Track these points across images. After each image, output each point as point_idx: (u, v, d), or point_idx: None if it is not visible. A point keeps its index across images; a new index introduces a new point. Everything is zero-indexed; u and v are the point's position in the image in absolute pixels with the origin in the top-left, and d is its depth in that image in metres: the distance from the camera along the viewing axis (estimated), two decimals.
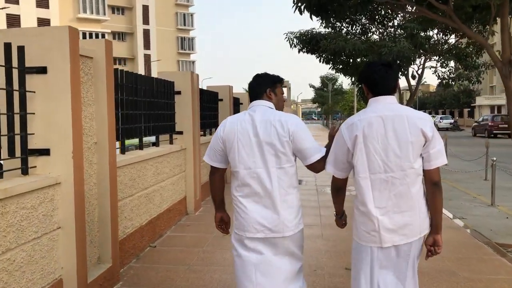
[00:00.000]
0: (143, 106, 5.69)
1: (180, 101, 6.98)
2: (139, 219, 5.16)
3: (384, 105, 2.43)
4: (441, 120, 45.83)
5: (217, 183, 2.88)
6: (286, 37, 14.12)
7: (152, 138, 6.74)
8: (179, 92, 6.96)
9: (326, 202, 7.98)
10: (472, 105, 52.29)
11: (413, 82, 13.32)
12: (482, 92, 54.47)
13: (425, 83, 63.89)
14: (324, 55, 14.10)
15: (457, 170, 11.95)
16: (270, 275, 2.61)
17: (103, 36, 41.51)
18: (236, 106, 12.75)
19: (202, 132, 9.09)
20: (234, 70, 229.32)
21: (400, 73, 12.87)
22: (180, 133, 7.01)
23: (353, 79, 15.59)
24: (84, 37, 40.08)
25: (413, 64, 12.77)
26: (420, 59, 12.88)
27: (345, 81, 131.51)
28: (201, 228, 6.33)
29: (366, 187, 2.41)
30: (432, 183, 2.40)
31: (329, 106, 56.06)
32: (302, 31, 13.73)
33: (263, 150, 2.58)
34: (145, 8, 55.83)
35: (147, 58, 55.55)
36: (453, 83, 13.81)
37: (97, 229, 4.09)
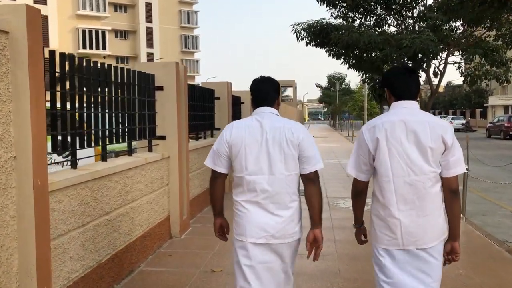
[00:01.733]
0: (108, 104, 4.40)
1: (162, 99, 5.66)
2: (96, 256, 3.84)
3: (406, 110, 2.45)
4: (452, 121, 44.26)
5: (219, 189, 2.85)
6: (292, 29, 12.79)
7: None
8: (160, 88, 5.65)
9: (341, 221, 6.63)
10: (484, 105, 50.63)
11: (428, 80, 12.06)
12: (494, 92, 52.79)
13: (433, 83, 62.23)
14: (335, 49, 12.75)
15: (482, 177, 10.55)
16: (268, 281, 2.63)
17: (103, 33, 40.35)
18: (236, 105, 11.43)
19: (194, 136, 7.77)
20: (239, 69, 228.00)
21: (420, 70, 11.47)
22: (162, 138, 5.69)
23: (366, 75, 14.17)
24: (83, 34, 39.00)
25: (436, 59, 11.35)
26: (441, 54, 11.46)
27: (352, 80, 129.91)
28: (187, 258, 5.01)
29: (389, 190, 2.43)
30: (451, 190, 2.43)
31: (337, 106, 54.63)
32: (310, 22, 12.37)
33: (271, 157, 2.58)
34: (148, 6, 54.73)
35: (150, 57, 54.37)
36: (478, 80, 12.35)
37: (16, 284, 2.79)
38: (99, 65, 4.24)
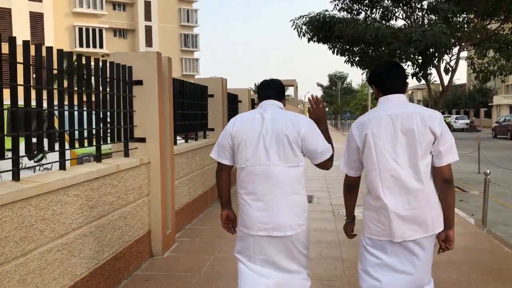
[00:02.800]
0: (69, 100, 3.61)
1: (141, 95, 4.87)
2: None
3: (393, 104, 2.47)
4: (456, 121, 43.45)
5: (224, 180, 2.86)
6: (293, 25, 11.95)
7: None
8: (139, 82, 4.86)
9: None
10: (489, 104, 49.73)
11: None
12: (499, 91, 51.91)
13: (435, 82, 61.39)
14: (338, 44, 11.92)
15: (496, 181, 9.73)
16: (273, 275, 2.64)
17: (100, 31, 39.53)
18: (233, 104, 10.63)
19: (183, 138, 6.98)
20: (240, 69, 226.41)
21: (431, 65, 10.64)
22: (142, 140, 4.90)
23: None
24: (80, 32, 38.17)
25: (448, 54, 10.51)
26: (453, 49, 10.62)
27: (354, 80, 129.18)
28: (167, 283, 4.22)
29: (377, 182, 2.43)
30: (443, 180, 2.42)
31: (338, 106, 53.78)
32: (312, 15, 11.52)
33: (271, 148, 2.58)
34: (147, 4, 53.90)
35: None
36: (491, 76, 11.52)
37: None
38: (55, 52, 3.44)
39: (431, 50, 9.64)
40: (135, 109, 4.86)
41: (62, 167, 3.55)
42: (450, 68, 10.97)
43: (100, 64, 4.23)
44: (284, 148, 2.58)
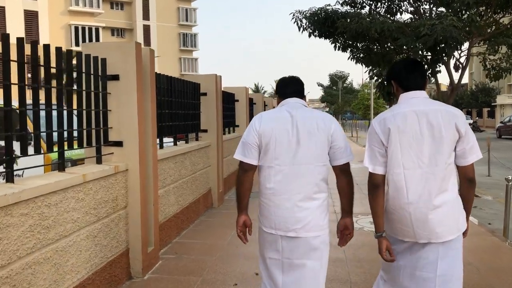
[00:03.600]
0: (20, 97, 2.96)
1: (118, 92, 4.21)
2: None
3: (416, 100, 2.42)
4: None
5: (249, 182, 2.67)
6: (293, 18, 11.27)
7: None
8: (115, 77, 4.19)
9: (357, 250, 5.12)
10: (492, 104, 49.01)
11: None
12: (502, 91, 51.21)
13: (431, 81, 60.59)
14: (341, 39, 11.25)
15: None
16: (296, 276, 2.57)
17: (96, 30, 38.83)
18: (229, 103, 9.98)
19: (171, 140, 6.32)
20: (239, 68, 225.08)
21: (440, 62, 9.96)
22: (118, 144, 4.23)
23: (374, 71, 12.68)
24: (76, 31, 37.46)
25: (460, 49, 9.82)
26: (463, 45, 9.92)
27: (355, 79, 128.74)
28: None
29: (400, 182, 2.36)
30: (467, 179, 2.40)
31: (339, 106, 53.07)
32: (314, 9, 10.84)
33: (302, 147, 2.53)
34: (145, 3, 53.30)
35: None
36: (504, 74, 10.84)
37: None
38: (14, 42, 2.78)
39: (440, 45, 8.94)
40: (110, 108, 4.20)
41: (9, 179, 2.88)
42: (461, 65, 10.27)
43: (65, 56, 3.56)
44: (316, 146, 2.54)
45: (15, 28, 29.52)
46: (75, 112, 3.71)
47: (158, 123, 5.38)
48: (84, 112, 3.88)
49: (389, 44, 10.69)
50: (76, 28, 37.56)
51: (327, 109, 74.98)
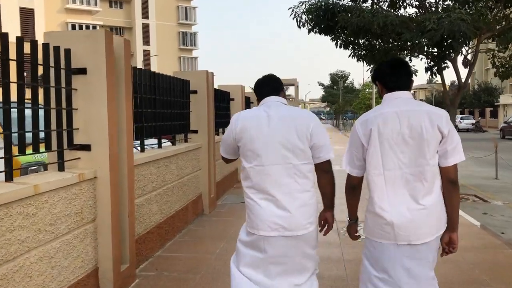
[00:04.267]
0: None
1: (85, 88, 3.66)
2: None
3: (399, 100, 2.40)
4: (461, 121, 42.13)
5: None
6: (292, 13, 10.72)
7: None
8: (82, 71, 3.65)
9: (359, 265, 4.57)
10: (495, 104, 48.39)
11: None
12: (504, 91, 50.58)
13: (437, 82, 60.07)
14: (342, 35, 10.69)
15: None
16: (280, 274, 2.56)
17: (94, 28, 38.26)
18: (224, 102, 9.44)
19: (169, 141, 5.77)
20: (239, 68, 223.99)
21: (447, 59, 9.39)
22: (86, 148, 3.69)
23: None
24: (73, 29, 36.89)
25: (468, 44, 9.26)
26: (471, 40, 9.34)
27: (356, 79, 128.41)
28: None
29: (380, 184, 2.36)
30: (449, 180, 2.36)
31: (340, 105, 52.49)
32: (313, 2, 10.28)
33: (279, 146, 2.52)
34: (144, 2, 52.78)
35: (147, 54, 52.44)
36: None
37: None
38: None
39: (448, 40, 8.38)
40: (76, 107, 3.66)
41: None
42: (469, 62, 9.72)
43: (17, 42, 3.01)
44: (293, 145, 2.52)
45: (11, 26, 28.96)
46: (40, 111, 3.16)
47: (137, 123, 4.85)
48: (43, 111, 3.34)
49: (391, 40, 10.13)
50: (73, 26, 37.00)
51: (328, 109, 74.44)
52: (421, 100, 74.15)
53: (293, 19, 10.77)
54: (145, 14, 52.92)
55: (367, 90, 41.48)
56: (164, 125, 5.72)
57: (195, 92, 6.98)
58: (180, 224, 5.93)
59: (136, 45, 51.90)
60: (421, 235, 2.31)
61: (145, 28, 53.09)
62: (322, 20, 10.31)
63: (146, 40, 52.87)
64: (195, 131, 7.02)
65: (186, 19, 56.39)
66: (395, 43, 10.07)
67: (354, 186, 2.53)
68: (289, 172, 2.52)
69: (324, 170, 2.62)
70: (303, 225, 2.53)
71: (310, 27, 10.87)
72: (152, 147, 5.87)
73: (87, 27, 37.40)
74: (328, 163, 2.62)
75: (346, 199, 2.61)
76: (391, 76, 2.45)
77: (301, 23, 10.82)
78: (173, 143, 6.25)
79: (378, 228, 2.38)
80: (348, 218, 2.69)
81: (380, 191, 2.36)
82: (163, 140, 5.92)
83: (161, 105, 5.59)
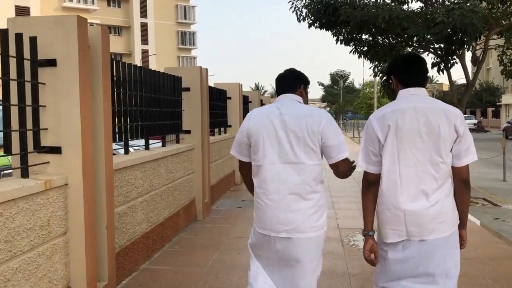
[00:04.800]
0: None
1: (54, 82, 3.19)
2: None
3: (416, 97, 2.35)
4: None
5: (248, 173, 2.67)
6: (291, 6, 10.26)
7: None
8: (51, 63, 3.18)
9: (364, 279, 4.09)
10: (498, 103, 47.93)
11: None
12: (506, 90, 50.10)
13: (437, 82, 59.60)
14: (344, 30, 10.23)
15: None
16: (289, 274, 2.53)
17: None
18: (220, 100, 8.99)
19: (162, 141, 5.30)
20: (239, 68, 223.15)
21: (456, 54, 8.91)
22: (55, 151, 3.22)
23: (379, 67, 11.67)
24: None
25: (479, 39, 8.77)
26: (482, 34, 8.85)
27: (356, 79, 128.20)
28: None
29: (394, 181, 2.31)
30: (462, 180, 2.36)
31: (340, 105, 52.02)
32: None
33: (291, 145, 2.47)
34: (143, 0, 52.36)
35: (145, 54, 51.97)
36: None
37: None
38: None
39: (458, 34, 7.90)
40: (44, 104, 3.19)
41: None
42: (478, 59, 9.24)
43: None
44: (304, 144, 2.46)
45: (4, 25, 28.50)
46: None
47: (120, 122, 4.38)
48: (1, 108, 2.87)
49: (396, 36, 9.64)
50: None
51: (328, 109, 74.04)
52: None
53: (292, 12, 10.34)
54: (143, 13, 52.46)
55: (367, 89, 41.00)
56: (153, 125, 5.25)
57: (187, 89, 6.51)
58: (170, 233, 5.46)
59: (134, 45, 51.46)
60: (434, 230, 2.28)
61: (144, 27, 52.64)
62: (323, 14, 9.86)
63: (144, 40, 52.42)
64: (188, 132, 6.54)
65: (185, 18, 55.93)
66: (400, 39, 9.60)
67: (372, 181, 2.39)
68: (300, 172, 2.46)
69: (340, 171, 2.52)
70: (313, 227, 2.47)
71: (310, 21, 10.42)
72: (140, 149, 5.40)
73: None
74: (344, 162, 2.49)
75: (363, 203, 2.47)
76: (408, 72, 2.40)
77: (301, 17, 10.38)
78: (163, 144, 5.77)
79: (390, 228, 2.34)
80: (362, 230, 2.51)
81: (394, 188, 2.30)
82: (153, 141, 5.46)
83: (149, 103, 5.12)
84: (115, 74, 4.15)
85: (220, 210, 7.22)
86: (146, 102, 5.02)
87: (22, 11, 30.94)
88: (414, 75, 2.40)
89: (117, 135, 4.35)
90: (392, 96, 19.74)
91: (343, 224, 6.27)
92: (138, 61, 48.85)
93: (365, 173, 2.44)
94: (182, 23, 55.85)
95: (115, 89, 4.14)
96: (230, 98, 9.83)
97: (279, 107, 2.55)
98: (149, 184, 4.84)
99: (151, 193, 4.88)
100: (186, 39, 56.27)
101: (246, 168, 2.70)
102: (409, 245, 2.32)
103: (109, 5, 51.02)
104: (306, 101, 2.73)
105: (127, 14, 51.95)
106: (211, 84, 8.13)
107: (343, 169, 2.51)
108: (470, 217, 5.98)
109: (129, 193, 4.34)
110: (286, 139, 2.47)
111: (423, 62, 2.46)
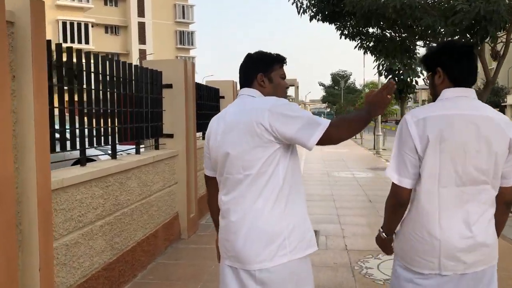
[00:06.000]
0: None
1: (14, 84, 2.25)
2: None
3: (465, 101, 1.92)
4: None
5: (212, 195, 2.17)
6: None
7: None
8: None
9: None
10: (502, 104, 47.03)
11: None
12: (511, 91, 49.19)
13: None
14: (349, 24, 9.31)
15: None
16: None
17: (86, 25, 36.93)
18: (212, 100, 8.05)
19: (136, 147, 4.36)
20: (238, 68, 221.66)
21: (478, 46, 7.97)
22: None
23: (383, 65, 10.72)
24: (64, 26, 35.51)
25: (504, 30, 7.84)
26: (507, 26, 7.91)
27: (357, 79, 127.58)
28: None
29: (434, 204, 1.90)
30: (505, 202, 2.02)
31: (341, 106, 51.12)
32: None
33: (233, 151, 1.92)
34: (140, 0, 51.34)
35: (143, 53, 51.06)
36: None
37: None
38: None
39: (481, 24, 6.94)
40: None
41: None
42: (499, 54, 8.32)
43: None
44: (246, 150, 1.88)
45: None
46: None
47: (75, 126, 3.44)
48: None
49: (407, 28, 8.71)
50: (64, 23, 35.59)
51: (329, 110, 73.23)
52: (423, 100, 72.08)
53: (292, 4, 9.42)
54: (141, 12, 51.54)
55: (366, 90, 40.14)
56: (122, 128, 4.31)
57: (169, 86, 5.56)
58: (145, 258, 4.51)
59: (131, 44, 50.57)
60: (475, 263, 1.92)
61: (141, 27, 51.71)
62: (326, 5, 8.93)
63: (142, 39, 51.50)
64: (170, 135, 5.59)
65: (183, 17, 55.02)
66: (412, 31, 8.65)
67: (403, 202, 1.96)
68: (244, 184, 1.90)
69: (330, 142, 1.87)
70: (255, 257, 1.85)
71: (312, 13, 9.51)
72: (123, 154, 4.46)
73: (79, 24, 36.03)
74: (326, 135, 1.83)
75: (387, 217, 2.06)
76: (461, 68, 1.94)
77: (302, 9, 9.46)
78: (137, 151, 4.82)
79: (418, 256, 1.95)
80: (383, 233, 2.13)
81: (432, 212, 1.90)
82: (129, 147, 4.53)
83: (116, 101, 4.18)
84: (55, 63, 3.20)
85: (209, 226, 6.26)
86: (112, 100, 4.08)
87: None
88: (468, 71, 1.95)
89: (68, 142, 3.41)
90: (398, 96, 18.70)
91: (351, 244, 5.32)
92: (135, 61, 47.99)
93: (397, 188, 1.94)
94: (181, 23, 54.94)
95: (58, 83, 3.19)
96: (223, 97, 8.87)
97: (230, 106, 2.08)
98: (114, 202, 3.89)
99: (116, 213, 3.93)
100: (185, 38, 55.36)
101: (208, 183, 2.27)
102: (442, 280, 1.92)
103: (106, 4, 50.05)
104: (279, 86, 2.09)
105: (124, 13, 51.00)
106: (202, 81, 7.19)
107: (334, 135, 1.87)
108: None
109: (83, 216, 3.39)
110: (229, 145, 1.98)
111: (476, 56, 2.07)
